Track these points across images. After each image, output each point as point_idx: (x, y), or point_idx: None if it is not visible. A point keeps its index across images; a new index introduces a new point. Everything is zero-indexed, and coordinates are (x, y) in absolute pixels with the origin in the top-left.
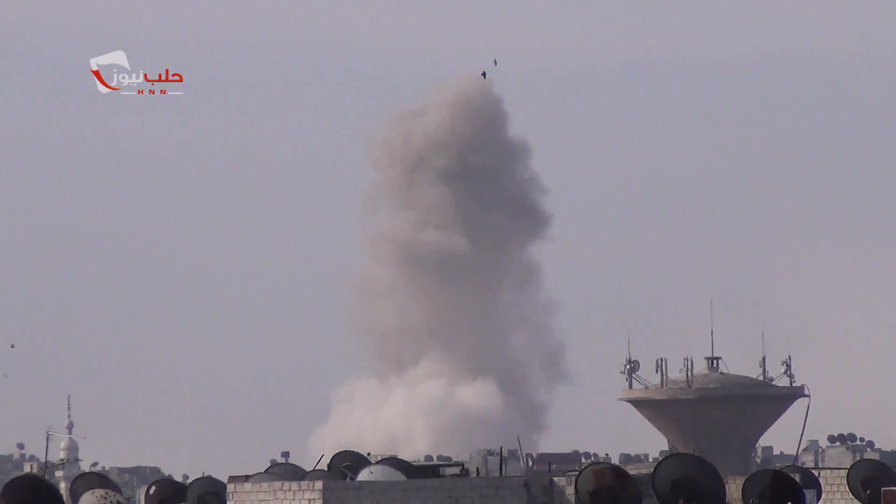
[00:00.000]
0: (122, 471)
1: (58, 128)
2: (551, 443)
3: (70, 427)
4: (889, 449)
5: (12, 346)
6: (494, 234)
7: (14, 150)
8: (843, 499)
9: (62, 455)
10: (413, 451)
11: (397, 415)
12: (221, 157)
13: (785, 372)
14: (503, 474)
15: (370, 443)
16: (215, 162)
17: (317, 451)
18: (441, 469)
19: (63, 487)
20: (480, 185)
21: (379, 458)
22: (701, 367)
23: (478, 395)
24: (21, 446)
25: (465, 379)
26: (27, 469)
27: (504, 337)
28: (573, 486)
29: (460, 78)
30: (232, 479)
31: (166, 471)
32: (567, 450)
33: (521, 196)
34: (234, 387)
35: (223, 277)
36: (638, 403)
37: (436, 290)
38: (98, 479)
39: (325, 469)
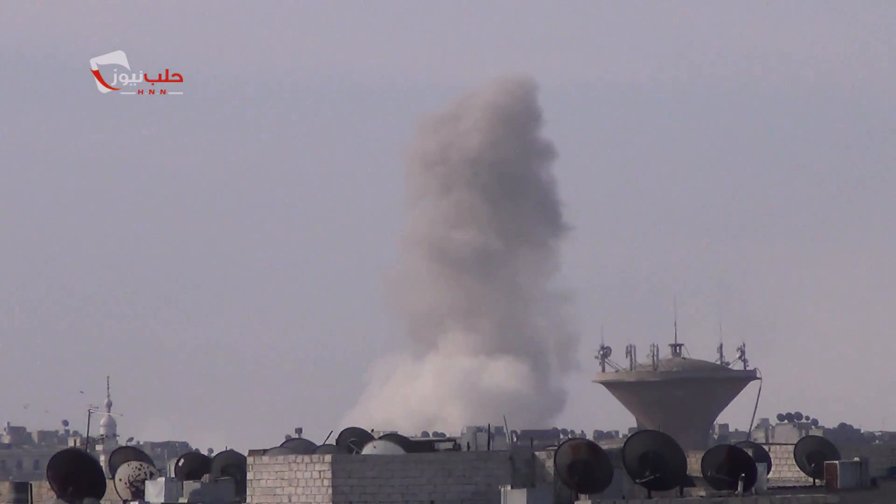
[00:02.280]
0: (154, 445)
1: (58, 128)
2: (533, 421)
3: (109, 406)
4: (832, 426)
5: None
6: (517, 230)
7: (14, 149)
8: (790, 471)
9: (102, 431)
10: (445, 424)
11: (430, 391)
12: (238, 158)
13: (740, 357)
14: (490, 449)
15: (404, 417)
16: (227, 163)
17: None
18: (435, 444)
19: (102, 460)
20: (507, 185)
21: (382, 435)
22: (666, 352)
23: (503, 373)
24: (65, 423)
25: (490, 358)
26: (71, 443)
27: (525, 322)
28: (552, 459)
29: (491, 84)
30: (251, 452)
31: (194, 445)
32: (547, 427)
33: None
34: (265, 367)
35: (252, 269)
36: (610, 385)
37: (464, 279)
38: (133, 453)
39: (334, 444)
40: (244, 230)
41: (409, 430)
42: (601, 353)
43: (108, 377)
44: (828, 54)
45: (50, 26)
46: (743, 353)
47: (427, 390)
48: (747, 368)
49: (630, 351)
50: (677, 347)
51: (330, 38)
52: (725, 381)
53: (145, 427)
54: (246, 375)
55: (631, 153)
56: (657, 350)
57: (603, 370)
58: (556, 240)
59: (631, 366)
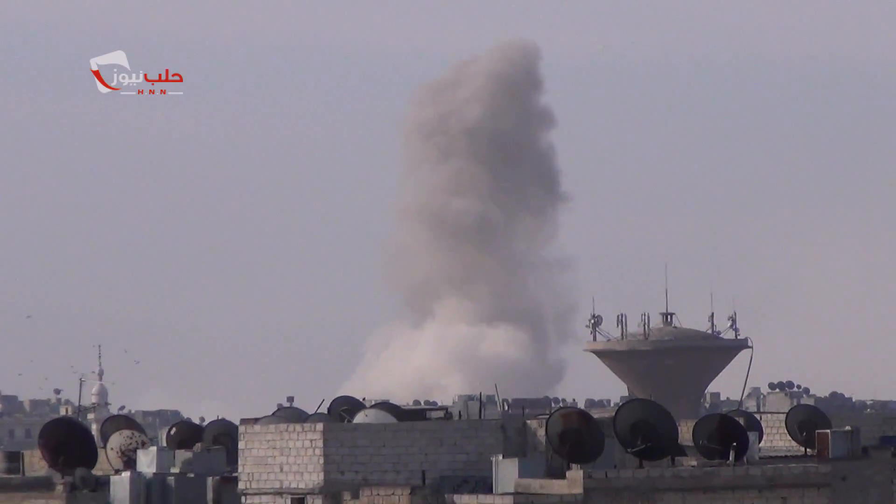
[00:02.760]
0: (146, 414)
1: (58, 128)
2: (531, 390)
3: (101, 374)
4: (823, 395)
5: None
6: (515, 198)
7: (14, 149)
8: (781, 440)
9: (93, 399)
10: (443, 392)
11: (428, 360)
12: (242, 147)
13: (731, 326)
14: (482, 417)
15: (401, 387)
16: (231, 153)
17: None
18: (427, 412)
19: (94, 429)
20: (505, 152)
21: (373, 403)
22: (657, 321)
23: (502, 342)
24: (57, 391)
25: (489, 327)
26: (62, 412)
27: (523, 290)
28: (544, 428)
29: (492, 51)
30: (243, 421)
31: (185, 414)
32: (538, 395)
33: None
34: (255, 336)
35: (244, 252)
36: (601, 354)
37: (462, 248)
38: (125, 422)
39: (326, 413)
40: (242, 215)
41: (406, 400)
42: (592, 321)
43: (99, 346)
44: (822, 30)
45: (50, 26)
46: (734, 321)
47: (425, 359)
48: (738, 337)
49: (621, 320)
50: (668, 316)
51: (327, 12)
52: (717, 350)
53: (137, 395)
54: (240, 345)
55: (627, 124)
56: (648, 319)
57: (594, 339)
58: (554, 209)
59: (622, 335)
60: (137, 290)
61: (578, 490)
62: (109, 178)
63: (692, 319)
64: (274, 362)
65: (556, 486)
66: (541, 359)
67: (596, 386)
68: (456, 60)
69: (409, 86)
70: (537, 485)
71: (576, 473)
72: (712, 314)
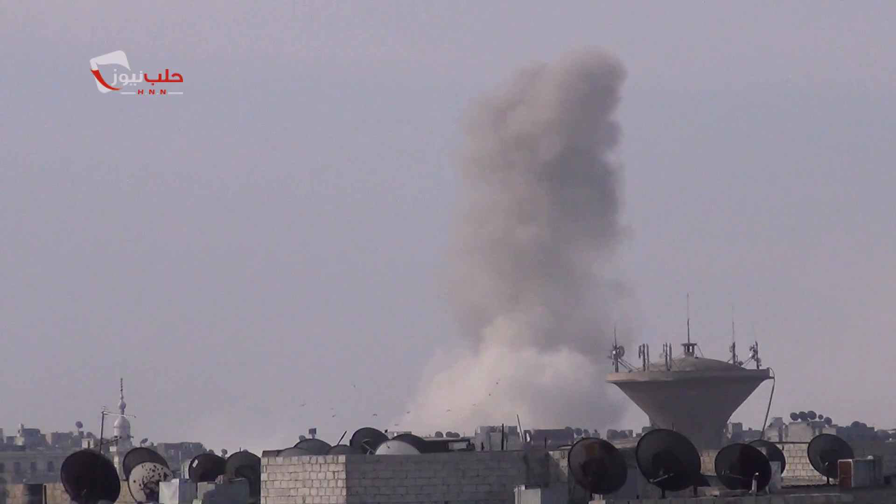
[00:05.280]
0: (168, 446)
1: (58, 128)
2: (546, 420)
3: (122, 407)
4: (845, 425)
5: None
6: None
7: (14, 149)
8: (804, 469)
9: (116, 432)
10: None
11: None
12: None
13: (753, 356)
14: (504, 449)
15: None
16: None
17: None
18: (450, 444)
19: (116, 462)
20: (568, 170)
21: (395, 435)
22: (678, 352)
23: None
24: (79, 425)
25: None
26: (84, 445)
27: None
28: (566, 459)
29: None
30: (265, 453)
31: (208, 446)
32: (561, 426)
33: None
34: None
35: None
36: (623, 385)
37: (515, 275)
38: (147, 454)
39: (348, 444)
40: (248, 229)
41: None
42: (614, 352)
43: (121, 379)
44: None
45: (50, 26)
46: (756, 352)
47: (483, 388)
48: (760, 367)
49: (643, 350)
50: (690, 347)
51: (330, 33)
52: (738, 381)
53: (159, 428)
54: (260, 376)
55: (661, 148)
56: (670, 349)
57: (616, 370)
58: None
59: (644, 365)
60: (158, 325)
61: None
62: (109, 178)
63: (714, 350)
64: (299, 394)
65: None
66: (600, 389)
67: (618, 417)
68: (516, 70)
69: (461, 102)
70: None
71: None
72: (734, 344)
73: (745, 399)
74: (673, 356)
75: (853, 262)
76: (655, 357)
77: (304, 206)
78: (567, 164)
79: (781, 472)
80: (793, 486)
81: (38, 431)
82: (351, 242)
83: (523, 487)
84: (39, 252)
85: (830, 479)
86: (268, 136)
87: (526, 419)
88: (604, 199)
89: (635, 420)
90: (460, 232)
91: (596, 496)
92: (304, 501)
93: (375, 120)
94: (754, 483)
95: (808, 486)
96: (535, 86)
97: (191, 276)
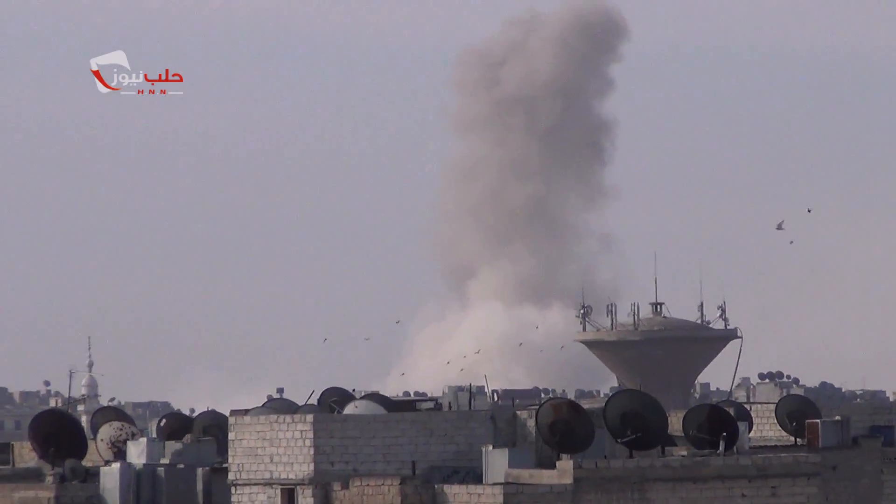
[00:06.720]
0: (136, 405)
1: (58, 128)
2: (514, 380)
3: (90, 366)
4: (813, 385)
5: None
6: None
7: (14, 149)
8: (771, 430)
9: (83, 391)
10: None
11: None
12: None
13: (720, 316)
14: (472, 408)
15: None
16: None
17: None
18: (417, 403)
19: (84, 420)
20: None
21: (363, 394)
22: (646, 311)
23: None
24: (47, 383)
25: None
26: (52, 404)
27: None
28: (534, 418)
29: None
30: (233, 412)
31: (175, 405)
32: (528, 386)
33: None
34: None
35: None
36: (591, 344)
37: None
38: (115, 413)
39: (316, 404)
40: (245, 231)
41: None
42: (582, 311)
43: (89, 337)
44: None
45: (50, 26)
46: (724, 312)
47: (468, 345)
48: (728, 327)
49: (611, 310)
50: (658, 306)
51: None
52: (706, 340)
53: (127, 387)
54: (231, 335)
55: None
56: (638, 309)
57: (584, 329)
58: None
59: (612, 325)
60: (127, 284)
61: (568, 480)
62: (109, 179)
63: (682, 309)
64: (266, 354)
65: (546, 477)
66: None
67: (586, 376)
68: (515, 21)
69: (454, 48)
70: (527, 475)
71: (566, 463)
72: (702, 304)
73: (712, 359)
74: (641, 316)
75: (822, 224)
76: (623, 317)
77: (291, 164)
78: (563, 122)
79: (749, 432)
80: (760, 447)
81: (5, 390)
82: (339, 199)
83: (491, 447)
84: (35, 251)
85: (798, 439)
86: (264, 100)
87: (522, 379)
88: (595, 156)
89: (603, 380)
90: (450, 189)
91: (563, 456)
92: (271, 460)
93: (363, 73)
94: (722, 443)
95: (775, 446)
96: (529, 39)
97: (163, 232)
